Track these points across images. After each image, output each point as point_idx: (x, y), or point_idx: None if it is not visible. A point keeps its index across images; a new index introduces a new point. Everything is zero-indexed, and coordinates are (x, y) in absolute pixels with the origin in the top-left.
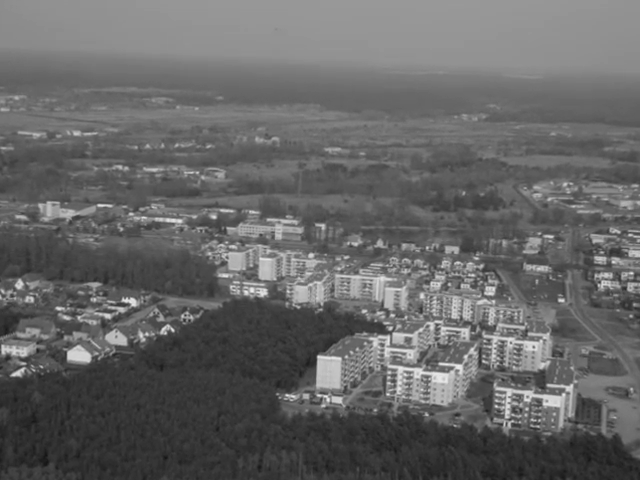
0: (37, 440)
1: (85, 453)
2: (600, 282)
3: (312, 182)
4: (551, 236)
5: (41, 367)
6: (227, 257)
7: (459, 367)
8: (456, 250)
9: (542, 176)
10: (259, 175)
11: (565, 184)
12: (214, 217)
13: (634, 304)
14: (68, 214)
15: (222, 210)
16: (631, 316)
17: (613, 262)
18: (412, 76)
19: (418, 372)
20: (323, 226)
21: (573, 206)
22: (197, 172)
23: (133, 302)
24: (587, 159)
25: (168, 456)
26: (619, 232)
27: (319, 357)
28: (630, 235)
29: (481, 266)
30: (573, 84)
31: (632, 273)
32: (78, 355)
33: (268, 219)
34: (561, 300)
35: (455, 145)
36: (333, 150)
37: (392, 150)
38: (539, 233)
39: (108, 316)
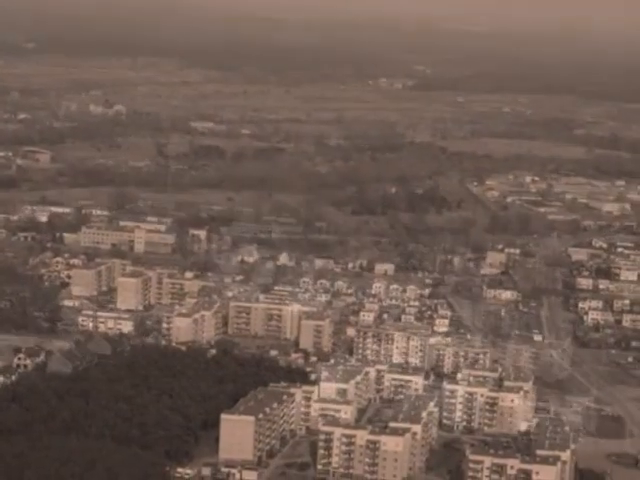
0: None
1: None
2: (587, 313)
3: (179, 170)
4: (517, 250)
5: None
6: (69, 276)
7: (417, 429)
8: (390, 269)
9: (496, 167)
10: (101, 159)
11: (528, 179)
12: (43, 219)
13: (633, 343)
14: None
15: (53, 209)
16: (631, 359)
17: (601, 286)
18: (307, 24)
19: (362, 436)
20: (202, 234)
21: (542, 209)
22: (9, 153)
23: None
24: (554, 145)
25: None
26: (605, 245)
27: (223, 416)
28: (620, 250)
29: (426, 291)
30: (532, 41)
31: (627, 301)
32: None
33: (122, 222)
34: (537, 338)
35: (374, 122)
36: (203, 126)
37: (287, 127)
38: (500, 246)
39: None
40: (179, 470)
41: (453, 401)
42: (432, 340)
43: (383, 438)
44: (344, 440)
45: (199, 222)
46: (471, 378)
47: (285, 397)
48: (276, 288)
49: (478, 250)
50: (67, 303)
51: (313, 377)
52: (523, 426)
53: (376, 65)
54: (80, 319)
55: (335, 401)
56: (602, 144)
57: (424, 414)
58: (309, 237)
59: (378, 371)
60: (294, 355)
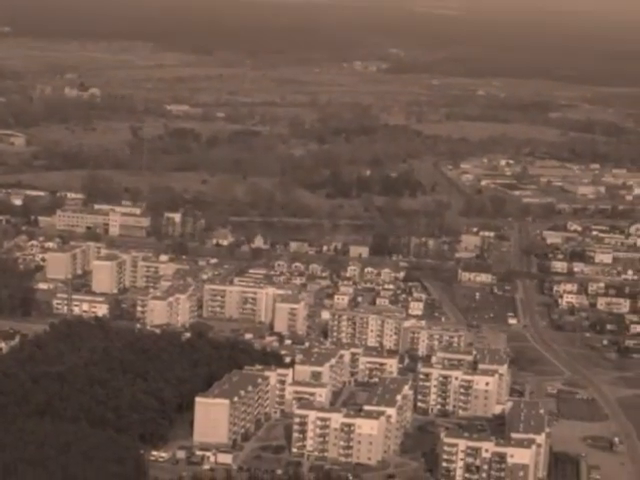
0: None
1: None
2: (562, 296)
3: (154, 153)
4: (491, 233)
5: None
6: (44, 260)
7: (391, 412)
8: (365, 252)
9: (471, 151)
10: (76, 142)
11: (503, 162)
12: (18, 202)
13: (608, 326)
14: None
15: (28, 192)
16: (605, 342)
17: (576, 269)
18: (283, 6)
19: (337, 419)
20: (177, 217)
21: (517, 192)
22: None
23: None
24: (529, 128)
25: None
26: (580, 229)
27: (198, 400)
28: (595, 233)
29: (401, 274)
30: (507, 25)
31: (602, 284)
32: None
33: (97, 206)
34: (512, 321)
35: (349, 105)
36: (178, 109)
37: (262, 110)
38: (475, 229)
39: None
40: (154, 453)
41: (428, 384)
42: (407, 323)
43: (358, 421)
44: (319, 423)
45: (174, 205)
46: (446, 361)
47: (260, 380)
48: (251, 271)
49: (453, 233)
50: (42, 286)
51: (288, 360)
52: (498, 409)
53: (351, 48)
54: (55, 302)
55: (310, 384)
56: (577, 127)
57: (399, 397)
58: (284, 220)
59: (353, 354)
60: (269, 338)
